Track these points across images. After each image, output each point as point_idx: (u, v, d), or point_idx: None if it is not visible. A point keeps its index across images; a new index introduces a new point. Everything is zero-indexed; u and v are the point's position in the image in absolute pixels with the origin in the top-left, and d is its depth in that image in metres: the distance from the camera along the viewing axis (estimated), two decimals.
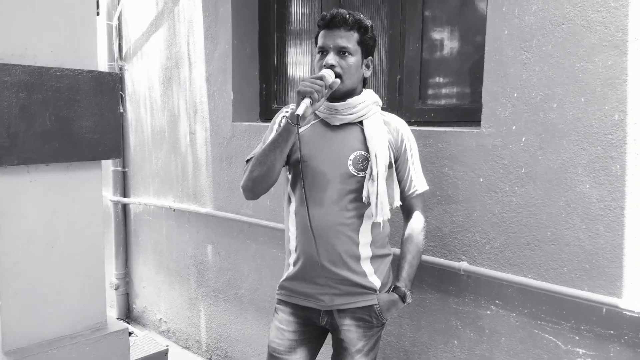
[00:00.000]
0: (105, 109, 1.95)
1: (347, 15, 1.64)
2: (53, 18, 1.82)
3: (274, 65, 2.94)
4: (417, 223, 1.76)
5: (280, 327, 1.76)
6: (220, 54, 2.91)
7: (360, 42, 1.67)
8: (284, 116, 1.77)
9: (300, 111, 1.50)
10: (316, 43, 1.72)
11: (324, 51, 1.66)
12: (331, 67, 1.62)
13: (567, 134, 1.70)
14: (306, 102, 1.51)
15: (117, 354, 2.01)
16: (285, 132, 1.58)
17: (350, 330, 1.69)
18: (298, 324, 1.75)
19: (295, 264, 1.72)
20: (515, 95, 1.80)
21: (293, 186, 1.72)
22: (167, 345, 2.67)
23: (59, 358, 1.85)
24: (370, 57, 1.73)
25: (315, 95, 1.52)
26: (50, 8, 1.81)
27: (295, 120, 1.51)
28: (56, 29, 1.83)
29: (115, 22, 3.71)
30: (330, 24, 1.64)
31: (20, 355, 1.77)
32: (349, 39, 1.64)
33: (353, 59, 1.65)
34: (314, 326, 1.76)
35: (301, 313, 1.75)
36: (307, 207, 1.58)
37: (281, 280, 1.80)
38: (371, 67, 1.75)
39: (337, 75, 1.62)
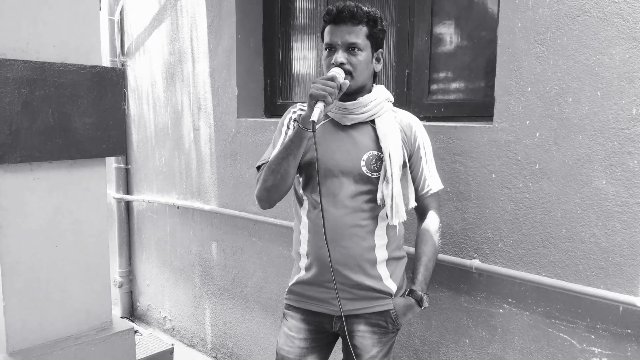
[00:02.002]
0: (109, 105, 1.91)
1: (355, 9, 1.55)
2: (56, 12, 1.79)
3: (278, 60, 2.90)
4: (432, 223, 1.70)
5: (290, 334, 1.70)
6: (224, 49, 2.87)
7: (370, 36, 1.59)
8: (294, 119, 1.68)
9: (315, 117, 1.41)
10: (322, 38, 1.65)
11: (331, 48, 1.58)
12: (340, 65, 1.54)
13: (582, 129, 1.65)
14: (320, 106, 1.43)
15: (122, 354, 1.98)
16: (297, 138, 1.51)
17: (365, 337, 1.63)
18: (309, 331, 1.68)
19: (307, 268, 1.65)
20: (529, 89, 1.76)
21: (305, 188, 1.66)
22: (172, 344, 2.64)
23: (64, 359, 1.82)
24: (380, 50, 1.65)
25: (329, 99, 1.44)
26: (52, 2, 1.77)
27: (311, 126, 1.42)
28: (59, 24, 1.80)
29: (117, 18, 3.67)
30: (337, 18, 1.55)
31: (24, 356, 1.74)
32: (358, 34, 1.56)
33: (363, 55, 1.57)
34: (325, 333, 1.70)
35: (312, 319, 1.68)
36: (322, 210, 1.50)
37: (290, 284, 1.73)
38: (382, 61, 1.68)
39: (347, 72, 1.54)
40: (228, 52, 2.85)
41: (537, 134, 1.75)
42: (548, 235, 1.75)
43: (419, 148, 1.68)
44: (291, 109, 1.72)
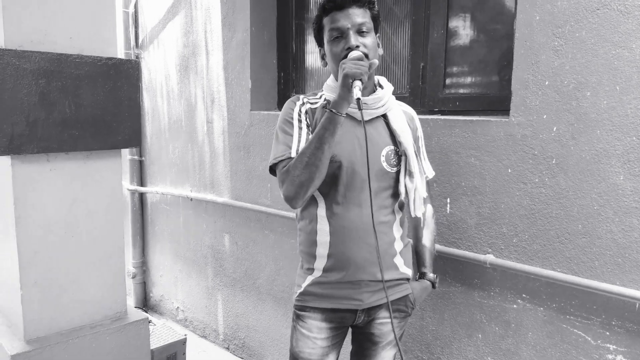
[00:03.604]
0: (125, 97, 1.92)
1: None
2: (72, 4, 1.79)
3: (292, 53, 2.90)
4: (428, 209, 1.76)
5: (311, 336, 1.63)
6: (238, 42, 2.87)
7: (372, 18, 1.56)
8: (301, 111, 1.60)
9: (359, 94, 1.35)
10: (319, 29, 1.59)
11: (341, 33, 1.51)
12: (356, 47, 1.47)
13: (600, 124, 1.63)
14: (358, 84, 1.37)
15: (137, 344, 2.00)
16: (332, 125, 1.41)
17: (384, 323, 1.65)
18: (330, 329, 1.63)
19: (327, 270, 1.59)
20: (546, 83, 1.74)
21: (322, 187, 1.56)
22: (185, 335, 2.66)
23: (79, 347, 1.85)
24: (378, 34, 1.60)
25: (365, 77, 1.38)
26: None
27: (357, 104, 1.36)
28: (75, 15, 1.81)
29: (131, 10, 3.68)
30: (344, 2, 1.50)
31: (41, 344, 1.77)
32: (364, 16, 1.52)
33: (372, 37, 1.52)
34: (345, 327, 1.68)
35: (334, 316, 1.63)
36: (372, 209, 1.43)
37: (304, 285, 1.64)
38: (380, 45, 1.62)
39: (365, 56, 1.48)
40: (242, 45, 2.85)
41: (554, 128, 1.73)
42: (564, 231, 1.74)
43: (418, 138, 1.70)
44: (296, 102, 1.62)
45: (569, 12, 1.68)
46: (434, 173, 1.76)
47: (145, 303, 4.01)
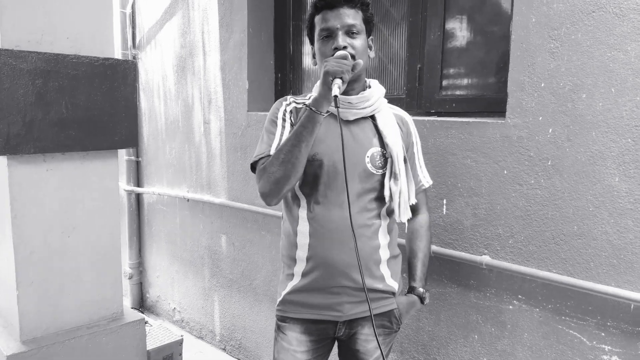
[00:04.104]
0: (122, 98, 1.92)
1: None
2: (69, 5, 1.80)
3: (289, 54, 2.90)
4: (424, 219, 1.69)
5: (291, 349, 1.57)
6: (236, 43, 2.87)
7: (364, 20, 1.53)
8: (286, 110, 1.59)
9: (337, 92, 1.33)
10: (311, 27, 1.57)
11: (330, 33, 1.49)
12: (344, 48, 1.46)
13: (596, 125, 1.64)
14: (338, 82, 1.35)
15: (133, 344, 2.00)
16: (310, 123, 1.40)
17: (368, 340, 1.57)
18: (311, 342, 1.58)
19: (306, 274, 1.54)
20: (542, 85, 1.75)
21: (303, 187, 1.55)
22: (181, 335, 2.66)
23: (76, 348, 1.85)
24: (371, 37, 1.58)
25: (346, 76, 1.37)
26: None
27: (334, 102, 1.33)
28: (73, 16, 1.81)
29: (129, 11, 3.68)
30: (335, 1, 1.49)
31: (37, 344, 1.77)
32: (355, 17, 1.50)
33: (361, 39, 1.51)
34: (327, 340, 1.62)
35: (314, 328, 1.57)
36: (349, 210, 1.38)
37: (284, 293, 1.59)
38: (373, 48, 1.62)
39: (352, 56, 1.47)
40: (239, 46, 2.85)
41: (550, 130, 1.74)
42: (559, 232, 1.75)
43: (413, 143, 1.66)
44: (283, 102, 1.61)
45: (564, 14, 1.69)
46: (431, 182, 1.71)
47: (142, 304, 4.00)
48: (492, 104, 2.02)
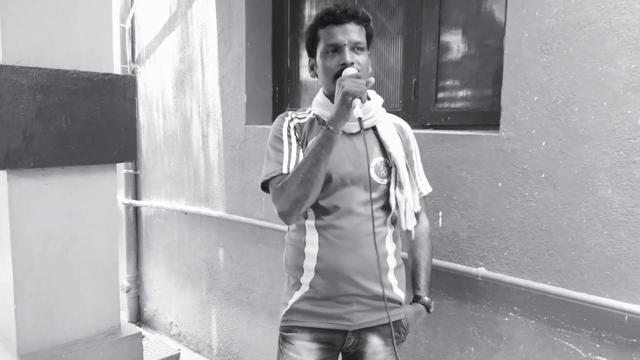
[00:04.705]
0: (121, 112, 1.95)
1: (356, 8, 1.52)
2: (69, 21, 1.82)
3: (287, 68, 2.93)
4: (425, 227, 1.71)
5: (299, 358, 1.55)
6: (234, 57, 2.90)
7: (367, 36, 1.56)
8: (290, 126, 1.60)
9: (360, 114, 1.35)
10: (313, 39, 1.58)
11: (337, 48, 1.51)
12: (351, 64, 1.48)
13: (588, 138, 1.67)
14: (358, 102, 1.36)
15: (130, 359, 2.00)
16: (328, 142, 1.42)
17: (378, 352, 1.57)
18: (321, 351, 1.56)
19: (315, 283, 1.55)
20: (535, 98, 1.77)
21: None
22: (178, 349, 2.66)
23: None
24: (368, 52, 1.59)
25: (364, 97, 1.39)
26: (66, 11, 1.81)
27: (359, 123, 1.36)
28: (72, 32, 1.84)
29: (128, 25, 3.72)
30: (343, 17, 1.50)
31: (34, 358, 1.77)
32: (360, 34, 1.52)
33: (365, 55, 1.54)
34: (335, 351, 1.60)
35: (324, 337, 1.56)
36: (372, 219, 1.43)
37: (291, 303, 1.60)
38: (370, 63, 1.63)
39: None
40: (237, 60, 2.88)
41: (544, 143, 1.76)
42: (554, 244, 1.76)
43: (411, 152, 1.68)
44: (285, 118, 1.62)
45: (557, 29, 1.72)
46: (430, 189, 1.73)
47: (139, 317, 3.99)
48: (487, 117, 2.05)
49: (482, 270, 1.92)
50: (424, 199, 1.73)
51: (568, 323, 1.76)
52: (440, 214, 2.04)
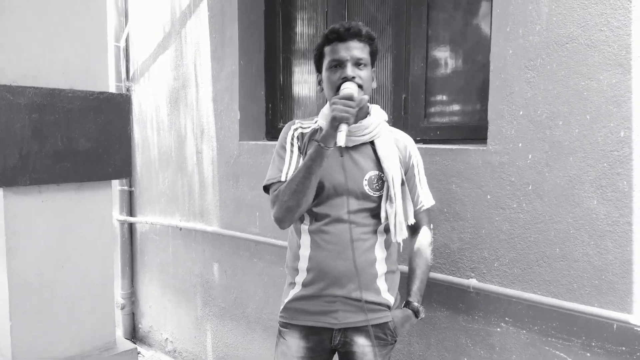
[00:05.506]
0: (116, 130, 1.98)
1: (361, 26, 1.63)
2: (65, 40, 1.86)
3: (280, 85, 2.98)
4: (424, 238, 1.78)
5: (289, 353, 1.69)
6: (227, 75, 2.95)
7: (370, 53, 1.65)
8: (294, 135, 1.72)
9: (342, 142, 1.46)
10: (320, 55, 1.68)
11: (339, 64, 1.61)
12: (352, 78, 1.57)
13: (573, 151, 1.71)
14: (344, 128, 1.48)
15: None
16: (319, 158, 1.53)
17: (366, 353, 1.65)
18: (308, 349, 1.69)
19: (306, 283, 1.68)
20: (520, 113, 1.82)
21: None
22: None
23: None
24: (373, 69, 1.71)
25: (351, 120, 1.49)
26: (62, 31, 1.85)
27: (339, 152, 1.50)
28: (68, 51, 1.87)
29: (122, 44, 3.77)
30: (346, 35, 1.61)
31: None
32: (363, 50, 1.62)
33: (368, 70, 1.64)
34: (324, 350, 1.71)
35: (312, 335, 1.69)
36: (327, 224, 1.58)
37: (286, 301, 1.74)
38: (374, 79, 1.73)
39: (359, 87, 1.58)
40: (231, 78, 2.93)
41: (530, 156, 1.80)
42: (542, 255, 1.80)
43: (413, 166, 1.75)
44: (291, 126, 1.75)
45: (540, 46, 1.77)
46: (432, 202, 1.80)
47: (134, 334, 3.98)
48: (474, 131, 2.09)
49: (473, 282, 1.95)
50: (426, 212, 1.80)
51: (559, 332, 1.78)
52: (431, 226, 2.07)
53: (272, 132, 3.01)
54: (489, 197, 1.91)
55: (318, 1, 2.71)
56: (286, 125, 1.77)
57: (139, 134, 3.76)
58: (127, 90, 3.79)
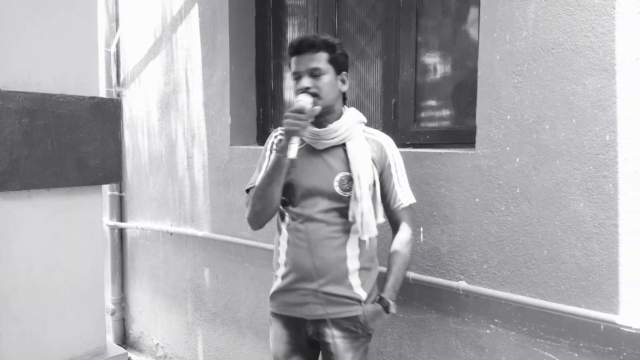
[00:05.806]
0: (107, 135, 1.98)
1: (313, 38, 1.72)
2: (55, 45, 1.86)
3: (271, 90, 3.00)
4: (403, 235, 1.82)
5: (276, 337, 1.87)
6: (218, 80, 2.96)
7: (331, 60, 1.72)
8: (274, 142, 1.84)
9: (293, 155, 1.61)
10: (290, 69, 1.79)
11: (298, 76, 1.73)
12: (306, 89, 1.68)
13: (560, 154, 1.74)
14: (295, 141, 1.62)
15: None
16: (278, 166, 1.66)
17: (337, 344, 1.75)
18: (290, 336, 1.83)
19: (284, 277, 1.80)
20: (508, 117, 1.85)
21: (285, 205, 1.81)
22: None
23: None
24: (344, 72, 1.78)
25: (302, 132, 1.63)
26: (52, 36, 1.85)
27: (290, 162, 1.64)
28: (59, 56, 1.87)
29: (113, 49, 3.77)
30: (299, 49, 1.71)
31: None
32: (319, 60, 1.70)
33: (327, 77, 1.71)
34: (303, 338, 1.83)
35: (291, 324, 1.83)
36: (301, 222, 1.72)
37: (271, 292, 1.87)
38: (347, 82, 1.79)
39: (314, 95, 1.68)
40: (222, 83, 2.94)
41: (517, 159, 1.83)
42: (530, 257, 1.82)
43: (389, 165, 1.80)
44: (273, 134, 1.86)
45: (526, 51, 1.80)
46: (413, 200, 1.83)
47: (125, 340, 3.96)
48: (463, 135, 2.12)
49: (462, 284, 1.96)
50: (407, 210, 1.83)
51: (547, 334, 1.81)
52: (421, 229, 2.09)
53: (263, 137, 3.02)
54: (477, 200, 1.93)
55: (309, 7, 2.73)
56: (272, 132, 1.88)
57: (130, 139, 3.75)
58: (118, 95, 3.79)
